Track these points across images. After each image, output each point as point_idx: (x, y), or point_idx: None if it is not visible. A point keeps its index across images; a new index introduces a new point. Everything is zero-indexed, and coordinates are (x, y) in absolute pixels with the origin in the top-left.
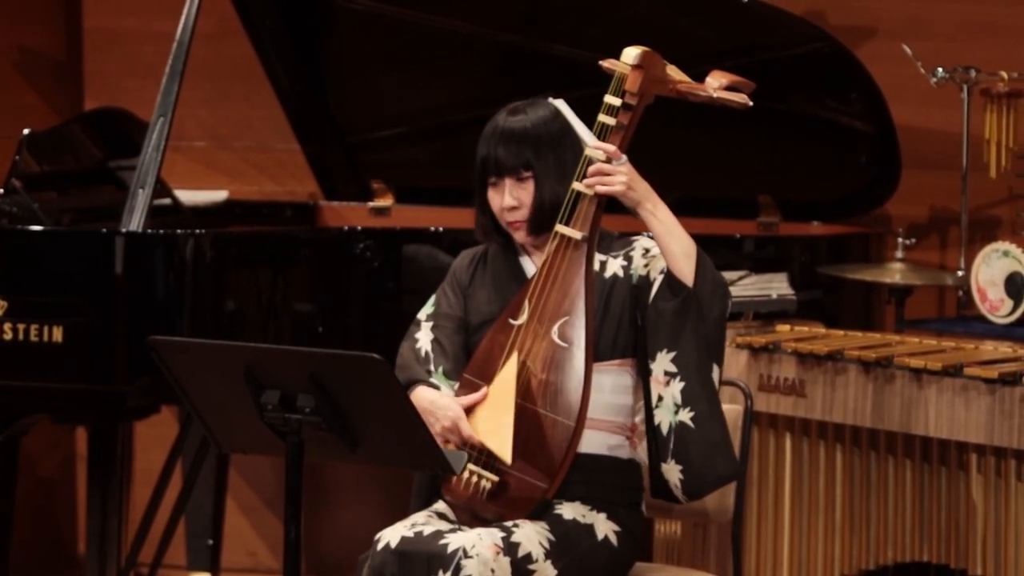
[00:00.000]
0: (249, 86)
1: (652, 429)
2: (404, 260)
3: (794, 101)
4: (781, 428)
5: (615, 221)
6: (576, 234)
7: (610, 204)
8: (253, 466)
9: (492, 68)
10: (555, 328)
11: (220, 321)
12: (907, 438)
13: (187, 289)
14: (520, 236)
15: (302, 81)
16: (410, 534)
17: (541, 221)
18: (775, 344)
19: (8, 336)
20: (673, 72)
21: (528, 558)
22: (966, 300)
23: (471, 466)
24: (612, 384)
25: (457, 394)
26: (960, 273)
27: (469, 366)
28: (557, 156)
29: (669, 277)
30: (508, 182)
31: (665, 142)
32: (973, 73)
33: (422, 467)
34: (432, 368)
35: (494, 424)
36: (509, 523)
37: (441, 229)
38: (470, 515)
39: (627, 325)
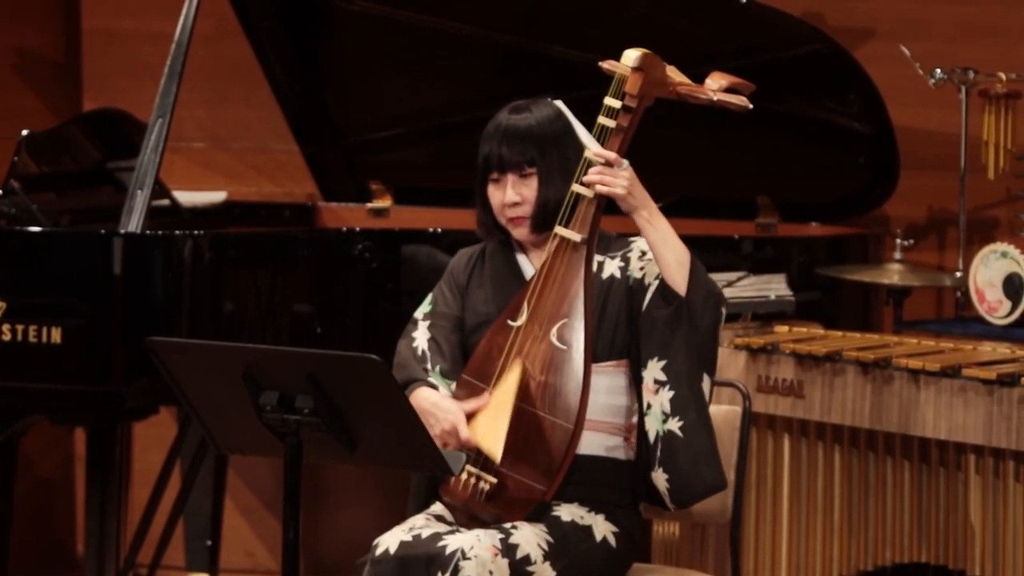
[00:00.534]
0: (248, 87)
1: (642, 436)
2: (403, 261)
3: (793, 102)
4: (779, 429)
5: (613, 222)
6: (575, 236)
7: (608, 205)
8: (251, 467)
9: (491, 69)
10: (554, 330)
11: (219, 322)
12: (905, 439)
13: (186, 290)
14: (521, 233)
15: (301, 82)
16: (408, 538)
17: (544, 218)
18: (773, 345)
19: (7, 337)
20: (673, 74)
21: (527, 559)
22: (964, 301)
23: (469, 467)
24: (609, 385)
25: (455, 395)
26: (958, 274)
27: (467, 367)
28: (561, 154)
29: (662, 285)
30: (510, 178)
31: (664, 143)
32: (971, 74)
33: (420, 468)
34: (429, 367)
35: (491, 427)
36: (507, 524)
37: (440, 230)
38: (468, 516)
39: (624, 326)
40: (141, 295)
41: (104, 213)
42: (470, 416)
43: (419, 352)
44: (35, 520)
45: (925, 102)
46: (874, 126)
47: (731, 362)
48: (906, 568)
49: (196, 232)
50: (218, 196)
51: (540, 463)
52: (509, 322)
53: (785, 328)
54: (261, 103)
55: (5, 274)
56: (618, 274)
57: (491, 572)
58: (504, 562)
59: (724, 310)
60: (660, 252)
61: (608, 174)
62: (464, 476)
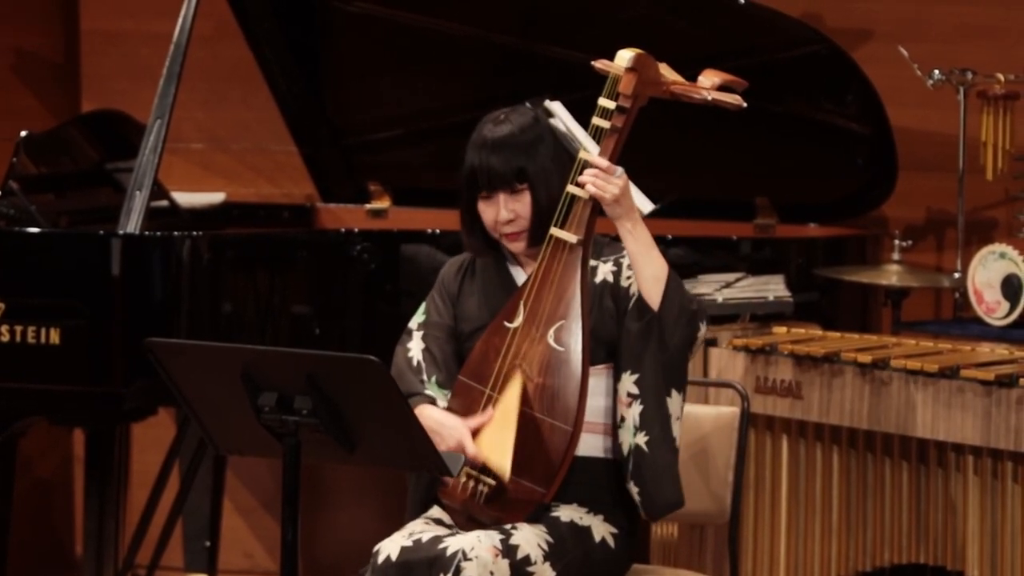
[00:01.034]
0: (246, 88)
1: (616, 448)
2: (401, 262)
3: (791, 103)
4: (777, 430)
5: (610, 223)
6: (571, 237)
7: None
8: (250, 468)
9: (489, 70)
10: (551, 332)
11: (217, 323)
12: (903, 440)
13: (184, 291)
14: (518, 247)
15: (299, 83)
16: (409, 543)
17: (541, 231)
18: (772, 346)
19: (6, 338)
20: (666, 72)
21: (527, 560)
22: (962, 302)
23: (468, 470)
24: (604, 387)
25: (451, 399)
26: (957, 275)
27: (464, 368)
28: (546, 160)
29: (639, 298)
30: (502, 196)
31: (662, 144)
32: (969, 75)
33: (419, 469)
34: (425, 378)
35: (497, 442)
36: (507, 525)
37: (438, 231)
38: (467, 518)
39: (616, 330)
40: (140, 296)
41: (103, 214)
42: (475, 432)
43: (414, 363)
44: (34, 521)
45: (923, 103)
46: (872, 127)
47: (729, 363)
48: (904, 569)
49: (195, 233)
50: (217, 197)
51: (539, 465)
52: (506, 323)
53: (783, 329)
54: (260, 104)
55: (4, 275)
56: (610, 279)
57: (492, 573)
58: (505, 563)
59: (702, 326)
60: (638, 265)
61: (602, 177)
62: (463, 478)
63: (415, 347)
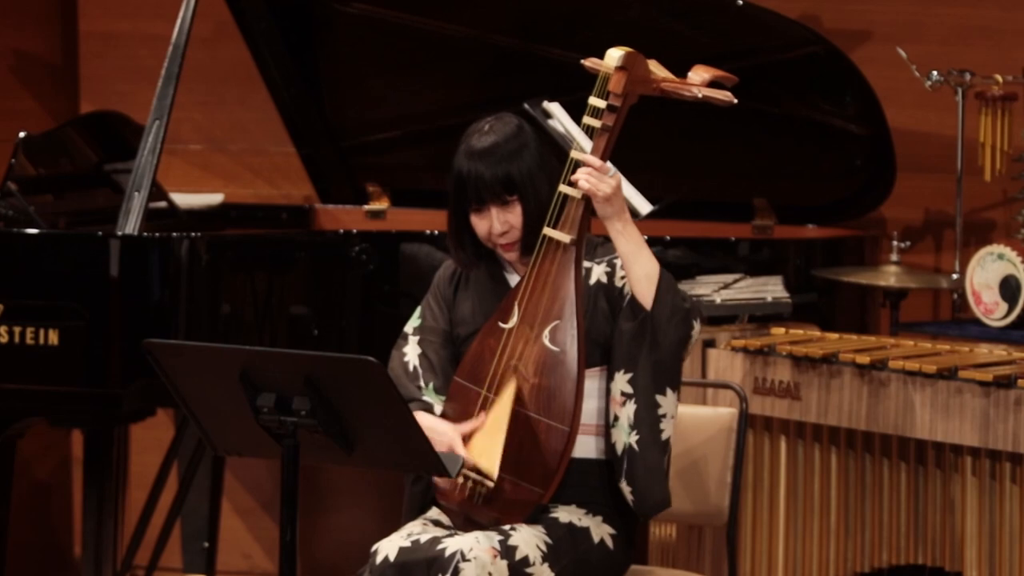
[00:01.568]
0: (244, 89)
1: (610, 447)
2: (400, 263)
3: (789, 104)
4: (776, 431)
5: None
6: (565, 237)
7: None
8: (249, 469)
9: (488, 71)
10: (546, 332)
11: (216, 324)
12: (902, 441)
13: (183, 292)
14: (512, 256)
15: (297, 84)
16: (407, 544)
17: (532, 239)
18: (770, 347)
19: (4, 339)
20: (656, 69)
21: (525, 561)
22: (961, 303)
23: (466, 471)
24: (599, 388)
25: (447, 402)
26: (955, 276)
27: (460, 370)
28: (533, 167)
29: (631, 298)
30: (493, 209)
31: (661, 146)
32: (967, 76)
33: (417, 470)
34: (422, 384)
35: (487, 444)
36: (506, 526)
37: (437, 232)
38: (465, 519)
39: (611, 332)
40: (138, 297)
41: (101, 215)
42: (467, 437)
43: (411, 368)
44: (33, 522)
45: (922, 104)
46: (871, 128)
47: (728, 364)
48: (902, 570)
49: (193, 234)
50: (215, 198)
51: (537, 466)
52: (500, 324)
53: (782, 330)
54: (258, 105)
55: (3, 276)
56: (604, 279)
57: (490, 574)
58: (503, 564)
59: (696, 324)
60: (630, 265)
61: (595, 175)
62: (461, 480)
63: (411, 352)
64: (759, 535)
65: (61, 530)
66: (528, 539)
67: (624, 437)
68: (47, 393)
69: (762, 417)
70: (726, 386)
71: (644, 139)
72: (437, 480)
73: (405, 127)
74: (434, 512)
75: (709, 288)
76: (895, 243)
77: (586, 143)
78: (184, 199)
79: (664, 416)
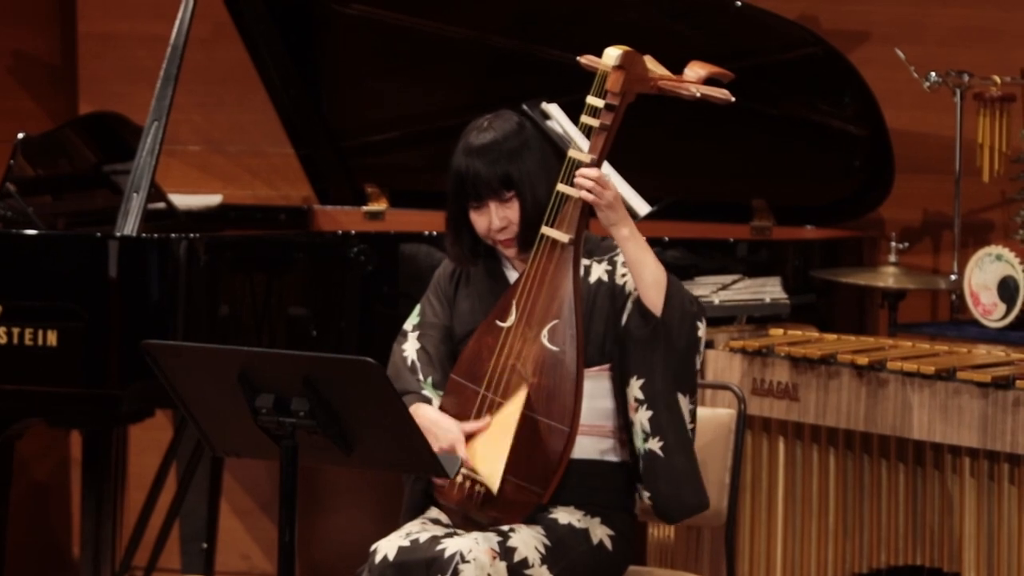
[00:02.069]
0: (243, 90)
1: (615, 450)
2: (398, 264)
3: (787, 105)
4: (774, 432)
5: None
6: (563, 236)
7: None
8: (247, 470)
9: (486, 72)
10: (545, 332)
11: (214, 325)
12: (900, 442)
13: (181, 293)
14: (511, 253)
15: (296, 85)
16: (406, 544)
17: (530, 238)
18: (768, 348)
19: (3, 340)
20: (653, 66)
21: (524, 563)
22: (959, 304)
23: (464, 471)
24: (597, 389)
25: (443, 398)
26: (953, 277)
27: (457, 367)
28: (532, 166)
29: (640, 304)
30: (492, 205)
31: (659, 146)
32: (966, 77)
33: (416, 470)
34: (421, 378)
35: (490, 452)
36: (505, 527)
37: (435, 233)
38: (463, 518)
39: (612, 331)
40: (137, 298)
41: (100, 216)
42: (469, 437)
43: (409, 363)
44: (31, 523)
45: (920, 105)
46: (869, 129)
47: (726, 365)
48: (901, 571)
49: (192, 235)
50: (214, 199)
51: (536, 466)
52: (498, 323)
53: (780, 331)
54: (256, 106)
55: (1, 277)
56: (605, 278)
57: (489, 575)
58: (502, 565)
59: (702, 325)
60: (637, 271)
61: (599, 184)
62: (459, 479)
63: (410, 348)
64: (757, 536)
65: (60, 531)
66: (527, 540)
67: (639, 443)
68: (46, 394)
69: (760, 418)
70: (724, 387)
71: (643, 140)
72: (436, 478)
73: (404, 128)
74: (433, 511)
75: (707, 289)
76: (893, 244)
77: (584, 144)
78: (183, 200)
79: (684, 420)
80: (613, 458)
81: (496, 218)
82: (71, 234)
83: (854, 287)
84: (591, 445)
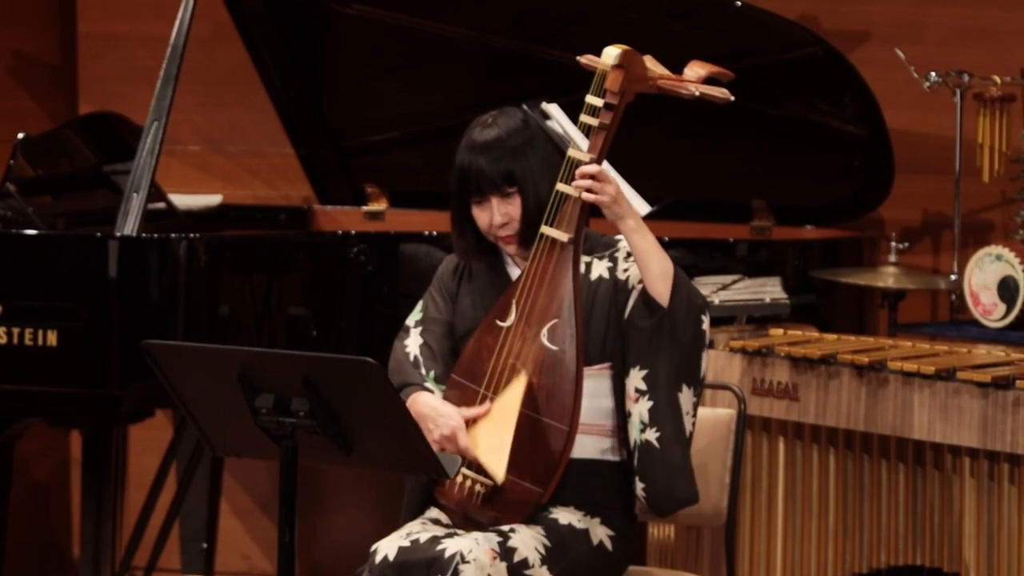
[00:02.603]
0: (243, 90)
1: (615, 449)
2: (398, 264)
3: (787, 105)
4: (774, 432)
5: (599, 223)
6: (562, 236)
7: (592, 209)
8: (247, 470)
9: (486, 72)
10: (544, 331)
11: (214, 325)
12: (900, 442)
13: (181, 293)
14: (511, 249)
15: (296, 85)
16: (407, 544)
17: (531, 234)
18: (768, 348)
19: (3, 340)
20: (652, 65)
21: (524, 563)
22: (959, 304)
23: (465, 470)
24: (597, 388)
25: (445, 396)
26: (953, 277)
27: (457, 367)
28: (536, 163)
29: (646, 295)
30: (494, 200)
31: (659, 146)
32: (966, 77)
33: (416, 471)
34: (423, 372)
35: (493, 441)
36: (505, 528)
37: (435, 233)
38: (463, 518)
39: (612, 329)
40: (137, 298)
41: (100, 216)
42: (469, 424)
43: (412, 357)
44: (31, 523)
45: (920, 105)
46: (869, 129)
47: (726, 365)
48: (901, 571)
49: (192, 235)
50: (213, 199)
51: (536, 465)
52: (498, 322)
53: (780, 331)
54: (256, 106)
55: (1, 277)
56: (606, 275)
57: (490, 575)
58: (502, 565)
59: (706, 319)
60: (644, 263)
61: (598, 181)
62: (459, 479)
63: (412, 342)
64: (757, 536)
65: (60, 531)
66: (527, 541)
67: (636, 434)
68: (46, 394)
69: (760, 418)
70: (724, 387)
71: (642, 140)
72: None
73: (404, 128)
74: (433, 511)
75: (707, 289)
76: (893, 244)
77: (584, 143)
78: (183, 200)
79: (687, 413)
80: (613, 457)
81: (498, 214)
82: (71, 234)
83: (854, 287)
84: (591, 444)
